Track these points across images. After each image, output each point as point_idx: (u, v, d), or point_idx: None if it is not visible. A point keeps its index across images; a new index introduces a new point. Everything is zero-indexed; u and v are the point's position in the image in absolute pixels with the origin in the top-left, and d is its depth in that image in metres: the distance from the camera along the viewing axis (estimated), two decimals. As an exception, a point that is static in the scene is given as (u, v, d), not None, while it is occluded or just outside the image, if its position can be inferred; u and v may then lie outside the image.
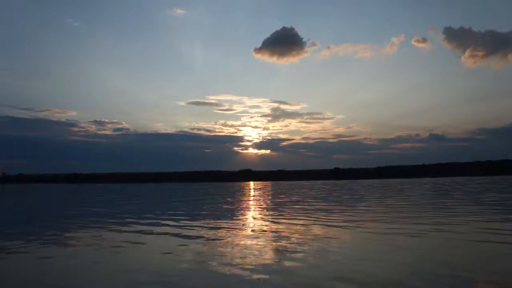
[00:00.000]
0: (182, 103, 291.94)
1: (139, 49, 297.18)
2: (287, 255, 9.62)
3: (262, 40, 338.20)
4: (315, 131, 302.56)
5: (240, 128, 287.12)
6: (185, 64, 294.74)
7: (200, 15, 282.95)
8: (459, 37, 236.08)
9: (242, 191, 56.56)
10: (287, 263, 8.70)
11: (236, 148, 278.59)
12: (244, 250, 10.27)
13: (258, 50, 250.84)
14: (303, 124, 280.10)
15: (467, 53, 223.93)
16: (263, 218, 18.31)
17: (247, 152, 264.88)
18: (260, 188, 70.08)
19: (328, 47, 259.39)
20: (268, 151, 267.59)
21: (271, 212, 21.31)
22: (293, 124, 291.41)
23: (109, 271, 8.39)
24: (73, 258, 9.80)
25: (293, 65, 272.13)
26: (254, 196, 41.86)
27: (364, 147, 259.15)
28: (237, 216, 19.85)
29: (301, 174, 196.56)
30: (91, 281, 7.65)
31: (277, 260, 9.03)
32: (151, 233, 13.94)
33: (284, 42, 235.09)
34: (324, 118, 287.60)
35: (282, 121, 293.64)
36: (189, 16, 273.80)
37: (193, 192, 56.68)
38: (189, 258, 9.40)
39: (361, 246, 10.85)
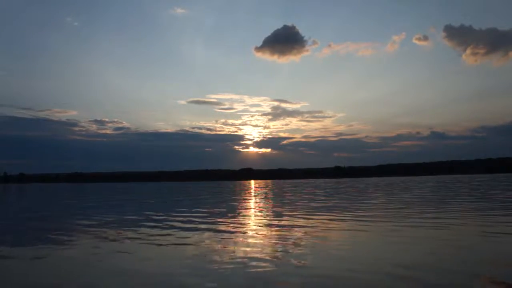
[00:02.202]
0: (183, 102, 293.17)
1: (140, 48, 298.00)
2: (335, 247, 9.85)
3: (262, 38, 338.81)
4: (316, 129, 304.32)
5: (241, 127, 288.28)
6: (186, 63, 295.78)
7: (200, 14, 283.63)
8: (460, 35, 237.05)
9: (248, 190, 56.78)
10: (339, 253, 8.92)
11: (236, 147, 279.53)
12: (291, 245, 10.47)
13: (259, 48, 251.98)
14: (304, 123, 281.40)
15: (468, 51, 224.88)
16: (284, 216, 18.45)
17: (248, 151, 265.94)
18: (263, 187, 70.24)
19: (329, 45, 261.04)
20: (268, 150, 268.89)
21: (288, 209, 21.46)
22: (294, 122, 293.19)
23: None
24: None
25: (294, 63, 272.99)
26: (262, 194, 42.04)
27: (365, 145, 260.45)
28: (261, 215, 20.04)
29: (302, 172, 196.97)
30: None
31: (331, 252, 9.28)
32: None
33: (285, 40, 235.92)
34: (324, 117, 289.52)
35: (283, 119, 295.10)
36: (190, 15, 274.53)
37: (200, 191, 56.87)
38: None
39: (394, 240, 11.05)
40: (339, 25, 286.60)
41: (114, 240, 12.23)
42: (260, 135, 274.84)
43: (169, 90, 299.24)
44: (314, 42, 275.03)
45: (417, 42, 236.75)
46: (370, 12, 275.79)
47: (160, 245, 11.16)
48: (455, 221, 14.53)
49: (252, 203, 28.52)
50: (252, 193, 44.31)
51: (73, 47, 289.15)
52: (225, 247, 10.57)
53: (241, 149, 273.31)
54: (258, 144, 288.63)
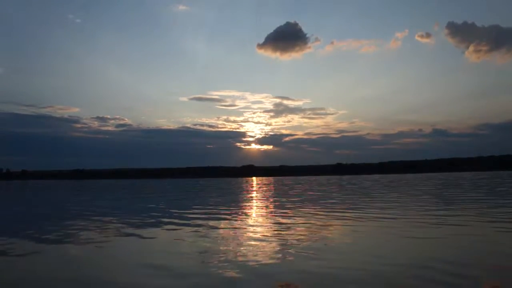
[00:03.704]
0: (185, 99, 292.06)
1: (142, 45, 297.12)
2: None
3: (265, 35, 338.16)
4: (318, 126, 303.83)
5: (243, 123, 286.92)
6: (188, 59, 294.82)
7: (202, 11, 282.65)
8: (463, 32, 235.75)
9: (254, 187, 57.13)
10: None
11: (238, 144, 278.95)
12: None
13: (261, 45, 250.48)
14: (306, 120, 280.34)
15: (471, 48, 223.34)
16: (297, 211, 18.81)
17: (250, 148, 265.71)
18: (268, 184, 70.54)
19: (332, 43, 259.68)
20: (270, 147, 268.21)
21: (301, 205, 21.81)
22: (296, 119, 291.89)
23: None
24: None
25: (296, 60, 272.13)
26: (270, 191, 42.37)
27: (367, 143, 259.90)
28: (288, 212, 20.39)
29: (303, 169, 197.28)
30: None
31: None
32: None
33: (287, 37, 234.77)
34: (326, 114, 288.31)
35: (285, 116, 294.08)
36: (192, 12, 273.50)
37: (206, 188, 57.23)
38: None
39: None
40: (342, 22, 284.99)
41: (137, 227, 12.70)
42: (262, 132, 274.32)
43: (171, 87, 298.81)
44: (316, 39, 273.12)
45: (419, 39, 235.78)
46: (373, 9, 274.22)
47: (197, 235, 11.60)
48: (469, 216, 14.91)
49: (263, 199, 28.85)
50: (259, 190, 44.65)
51: (75, 44, 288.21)
52: (256, 237, 10.99)
53: (242, 146, 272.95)
54: (260, 141, 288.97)
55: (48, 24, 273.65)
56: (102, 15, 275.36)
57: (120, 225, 14.50)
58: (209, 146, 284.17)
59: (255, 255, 8.69)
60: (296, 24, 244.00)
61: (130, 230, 13.15)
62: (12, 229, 14.43)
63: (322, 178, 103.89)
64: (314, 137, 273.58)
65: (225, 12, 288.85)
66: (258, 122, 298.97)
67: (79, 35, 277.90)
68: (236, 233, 12.04)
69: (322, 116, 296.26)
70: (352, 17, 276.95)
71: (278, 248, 9.43)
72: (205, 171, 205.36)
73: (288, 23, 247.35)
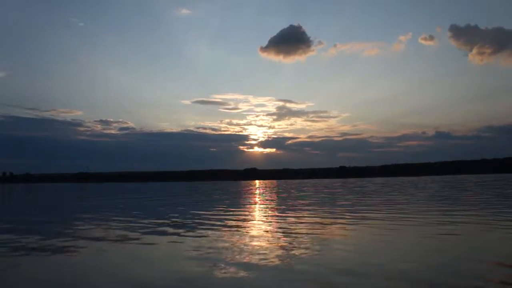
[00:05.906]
0: (188, 102, 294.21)
1: (145, 49, 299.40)
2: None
3: (268, 38, 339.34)
4: (321, 129, 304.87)
5: (246, 127, 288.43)
6: (191, 63, 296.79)
7: (205, 14, 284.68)
8: (466, 34, 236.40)
9: (260, 190, 57.14)
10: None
11: (241, 147, 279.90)
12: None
13: (264, 48, 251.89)
14: (309, 123, 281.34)
15: (474, 50, 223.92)
16: (311, 212, 18.82)
17: (253, 151, 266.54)
18: (272, 187, 70.50)
19: (335, 46, 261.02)
20: (273, 150, 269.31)
21: (313, 207, 21.83)
22: (299, 122, 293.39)
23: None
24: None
25: (299, 63, 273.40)
26: (278, 193, 42.35)
27: (370, 145, 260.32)
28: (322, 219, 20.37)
29: (306, 172, 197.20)
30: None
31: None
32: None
33: (290, 40, 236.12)
34: (329, 117, 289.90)
35: (288, 119, 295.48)
36: (195, 16, 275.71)
37: (214, 191, 57.26)
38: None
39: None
40: (345, 25, 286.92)
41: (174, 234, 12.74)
42: (265, 135, 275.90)
43: (174, 90, 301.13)
44: (320, 42, 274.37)
45: (423, 42, 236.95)
46: (376, 12, 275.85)
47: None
48: (482, 218, 14.91)
49: (269, 201, 28.85)
50: (264, 192, 44.63)
51: (78, 47, 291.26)
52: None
53: (245, 149, 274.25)
54: (263, 144, 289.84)
55: (51, 27, 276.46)
56: (105, 19, 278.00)
57: (139, 225, 14.56)
58: (212, 149, 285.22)
59: (266, 257, 8.68)
60: (299, 27, 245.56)
61: (145, 232, 13.20)
62: (13, 228, 14.50)
63: (327, 181, 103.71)
64: (317, 140, 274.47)
65: (227, 15, 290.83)
66: (261, 125, 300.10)
67: (82, 39, 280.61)
68: (250, 235, 12.05)
69: (325, 119, 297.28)
70: (355, 20, 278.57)
71: (286, 251, 9.42)
72: (208, 174, 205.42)
73: (291, 26, 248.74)
